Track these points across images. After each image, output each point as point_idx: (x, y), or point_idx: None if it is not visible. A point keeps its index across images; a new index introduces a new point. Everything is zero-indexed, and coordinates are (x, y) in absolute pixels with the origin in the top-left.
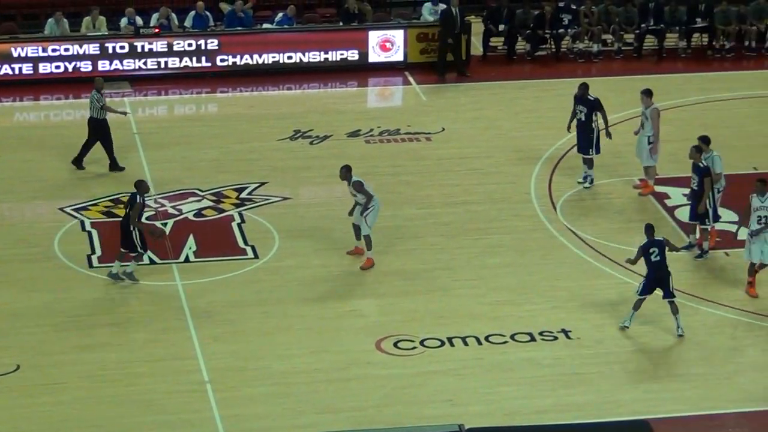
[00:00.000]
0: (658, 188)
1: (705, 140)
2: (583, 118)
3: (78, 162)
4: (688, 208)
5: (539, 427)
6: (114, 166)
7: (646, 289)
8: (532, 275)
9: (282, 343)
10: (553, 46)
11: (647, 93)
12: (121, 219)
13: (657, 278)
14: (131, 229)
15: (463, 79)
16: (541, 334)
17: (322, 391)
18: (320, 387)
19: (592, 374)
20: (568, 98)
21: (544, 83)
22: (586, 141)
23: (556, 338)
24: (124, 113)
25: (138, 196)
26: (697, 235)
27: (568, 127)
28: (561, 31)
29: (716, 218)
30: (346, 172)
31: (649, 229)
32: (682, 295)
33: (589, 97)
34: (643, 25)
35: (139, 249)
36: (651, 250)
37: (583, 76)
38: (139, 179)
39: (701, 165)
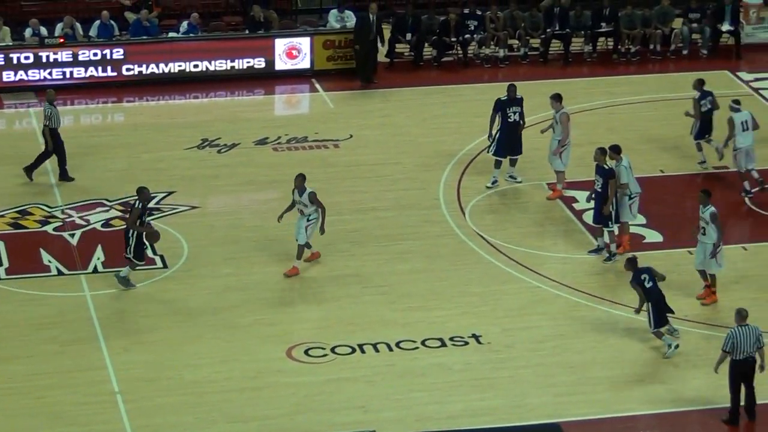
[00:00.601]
0: (566, 192)
1: (615, 149)
2: (517, 118)
3: (30, 170)
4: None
5: None
6: (64, 176)
7: (658, 321)
8: (442, 281)
9: (192, 353)
10: (459, 52)
11: (556, 97)
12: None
13: (658, 304)
14: (129, 234)
15: (369, 86)
16: (451, 339)
17: (234, 400)
18: (231, 396)
19: (503, 378)
20: (476, 103)
21: (451, 89)
22: (519, 141)
23: (466, 343)
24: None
25: (137, 202)
26: (606, 238)
27: (490, 134)
28: (467, 36)
29: (618, 219)
30: (301, 180)
31: (630, 263)
32: (592, 298)
33: (518, 96)
34: (548, 30)
35: (132, 256)
36: (642, 278)
37: (490, 82)
38: (141, 186)
39: (605, 167)
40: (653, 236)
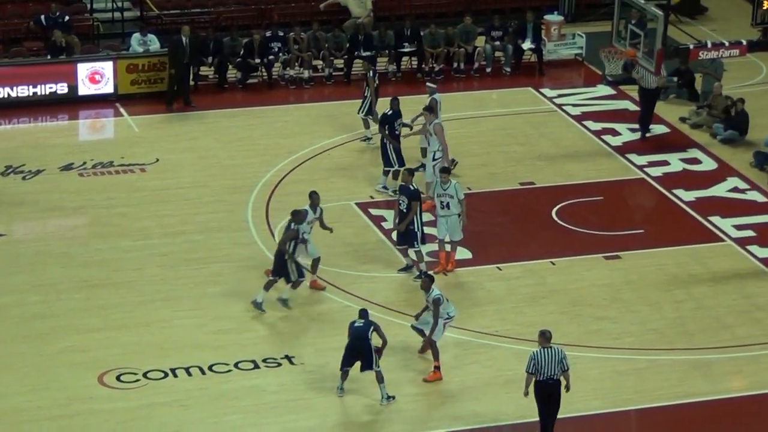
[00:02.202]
0: (375, 211)
1: (446, 170)
2: (402, 132)
3: None
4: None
5: None
6: None
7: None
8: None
9: (2, 383)
10: (264, 74)
11: (429, 109)
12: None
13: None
14: (286, 257)
15: (187, 108)
16: (264, 361)
17: (45, 429)
18: (43, 425)
19: (317, 399)
20: (282, 125)
21: (257, 111)
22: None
23: (279, 364)
24: None
25: (291, 224)
26: (413, 257)
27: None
28: (271, 58)
29: (424, 241)
30: (317, 197)
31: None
32: (403, 316)
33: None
34: (356, 52)
35: (294, 277)
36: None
37: (296, 103)
38: (296, 209)
39: (411, 188)
40: (463, 253)
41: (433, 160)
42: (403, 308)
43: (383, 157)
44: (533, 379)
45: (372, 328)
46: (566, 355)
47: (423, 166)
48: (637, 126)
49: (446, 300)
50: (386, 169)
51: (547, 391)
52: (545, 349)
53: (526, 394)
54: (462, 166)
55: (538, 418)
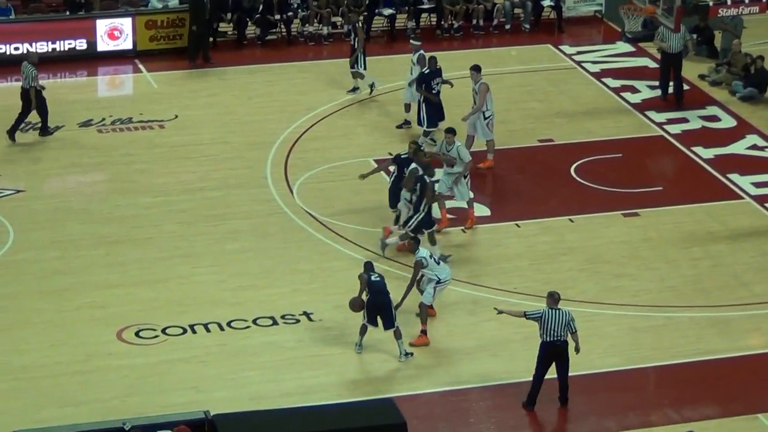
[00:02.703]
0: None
1: (451, 131)
2: (440, 89)
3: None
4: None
5: (285, 410)
6: (44, 131)
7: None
8: (272, 259)
9: (20, 338)
10: (283, 30)
11: (476, 68)
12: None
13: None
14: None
15: (206, 65)
16: (283, 317)
17: (64, 384)
18: (62, 380)
19: (336, 355)
20: (300, 81)
21: (276, 67)
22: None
23: (298, 321)
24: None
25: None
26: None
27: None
28: (290, 14)
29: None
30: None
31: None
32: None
33: (438, 67)
34: (375, 10)
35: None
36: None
37: (315, 59)
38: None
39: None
40: (481, 210)
41: (485, 118)
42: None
43: (418, 115)
44: (522, 318)
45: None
46: (574, 318)
47: (408, 122)
48: (656, 83)
49: (440, 262)
50: (426, 129)
51: (555, 353)
52: (553, 310)
53: (499, 312)
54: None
55: (552, 375)
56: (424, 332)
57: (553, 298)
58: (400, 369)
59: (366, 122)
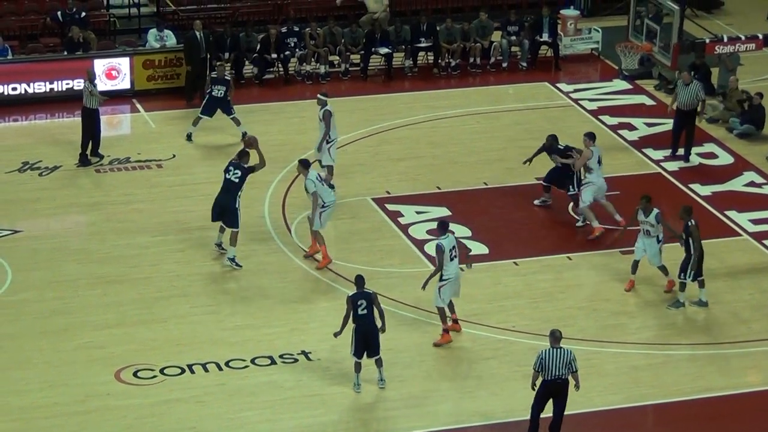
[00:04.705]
0: (391, 207)
1: (305, 164)
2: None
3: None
4: (421, 224)
5: None
6: (84, 160)
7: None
8: (270, 298)
9: (19, 378)
10: (280, 69)
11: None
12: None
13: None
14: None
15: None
16: (281, 356)
17: (63, 425)
18: (60, 421)
19: (334, 395)
20: (298, 120)
21: (274, 106)
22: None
23: (296, 360)
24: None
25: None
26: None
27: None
28: (287, 53)
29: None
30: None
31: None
32: (421, 312)
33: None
34: (372, 49)
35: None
36: (359, 303)
37: (312, 99)
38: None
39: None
40: (479, 248)
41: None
42: (420, 304)
43: None
44: (539, 376)
45: (369, 302)
46: (575, 358)
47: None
48: (653, 120)
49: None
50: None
51: (554, 391)
52: (554, 350)
53: (533, 387)
54: (479, 161)
55: (548, 415)
56: (446, 331)
57: (555, 337)
58: (399, 408)
59: (362, 161)
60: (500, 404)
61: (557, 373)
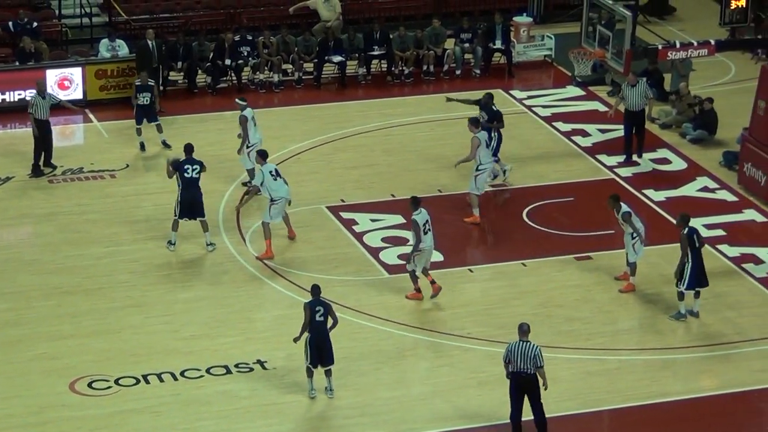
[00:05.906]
0: (345, 215)
1: (262, 155)
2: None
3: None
4: (376, 232)
5: None
6: (36, 171)
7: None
8: (225, 308)
9: None
10: (234, 78)
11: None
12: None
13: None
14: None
15: (157, 113)
16: (236, 366)
17: None
18: None
19: (290, 404)
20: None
21: (227, 115)
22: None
23: (252, 369)
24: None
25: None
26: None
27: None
28: (240, 62)
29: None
30: (614, 202)
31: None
32: (374, 319)
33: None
34: (325, 57)
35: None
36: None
37: (266, 107)
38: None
39: None
40: (434, 256)
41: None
42: (375, 311)
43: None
44: (508, 367)
45: (326, 310)
46: (540, 353)
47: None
48: (606, 126)
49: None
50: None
51: (521, 384)
52: (520, 342)
53: (507, 377)
54: (433, 168)
55: (508, 420)
56: (417, 290)
57: (522, 330)
58: (354, 416)
59: (316, 170)
60: (455, 411)
61: (522, 367)
